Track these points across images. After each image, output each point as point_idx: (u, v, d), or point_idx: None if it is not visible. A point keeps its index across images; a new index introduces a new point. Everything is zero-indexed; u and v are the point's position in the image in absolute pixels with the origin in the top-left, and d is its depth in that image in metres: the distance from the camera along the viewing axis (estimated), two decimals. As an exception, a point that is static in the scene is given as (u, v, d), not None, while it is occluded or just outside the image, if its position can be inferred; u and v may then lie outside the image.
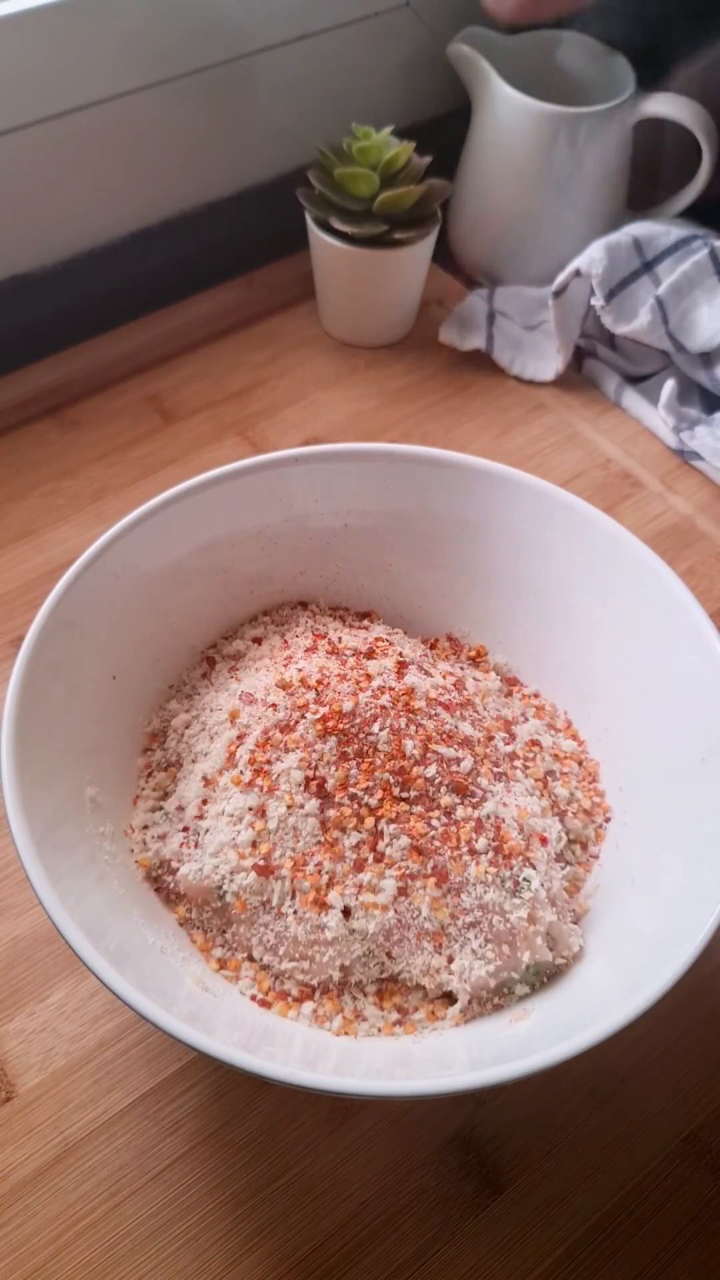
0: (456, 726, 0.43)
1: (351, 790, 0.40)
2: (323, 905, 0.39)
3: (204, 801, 0.42)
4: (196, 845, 0.41)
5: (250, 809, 0.40)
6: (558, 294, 0.64)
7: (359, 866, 0.39)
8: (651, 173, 0.74)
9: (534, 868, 0.40)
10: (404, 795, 0.40)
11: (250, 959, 0.40)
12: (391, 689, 0.42)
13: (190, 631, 0.49)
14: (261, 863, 0.39)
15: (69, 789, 0.40)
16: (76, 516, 0.60)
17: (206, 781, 0.42)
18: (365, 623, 0.51)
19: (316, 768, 0.40)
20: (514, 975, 0.39)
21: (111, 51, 0.60)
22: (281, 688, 0.43)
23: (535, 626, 0.49)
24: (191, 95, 0.65)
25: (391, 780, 0.40)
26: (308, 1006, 0.39)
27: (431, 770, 0.41)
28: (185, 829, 0.42)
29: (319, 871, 0.39)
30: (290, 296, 0.72)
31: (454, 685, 0.45)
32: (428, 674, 0.44)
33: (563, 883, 0.42)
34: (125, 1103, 0.42)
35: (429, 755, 0.41)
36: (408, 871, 0.39)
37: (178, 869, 0.41)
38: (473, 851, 0.39)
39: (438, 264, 0.71)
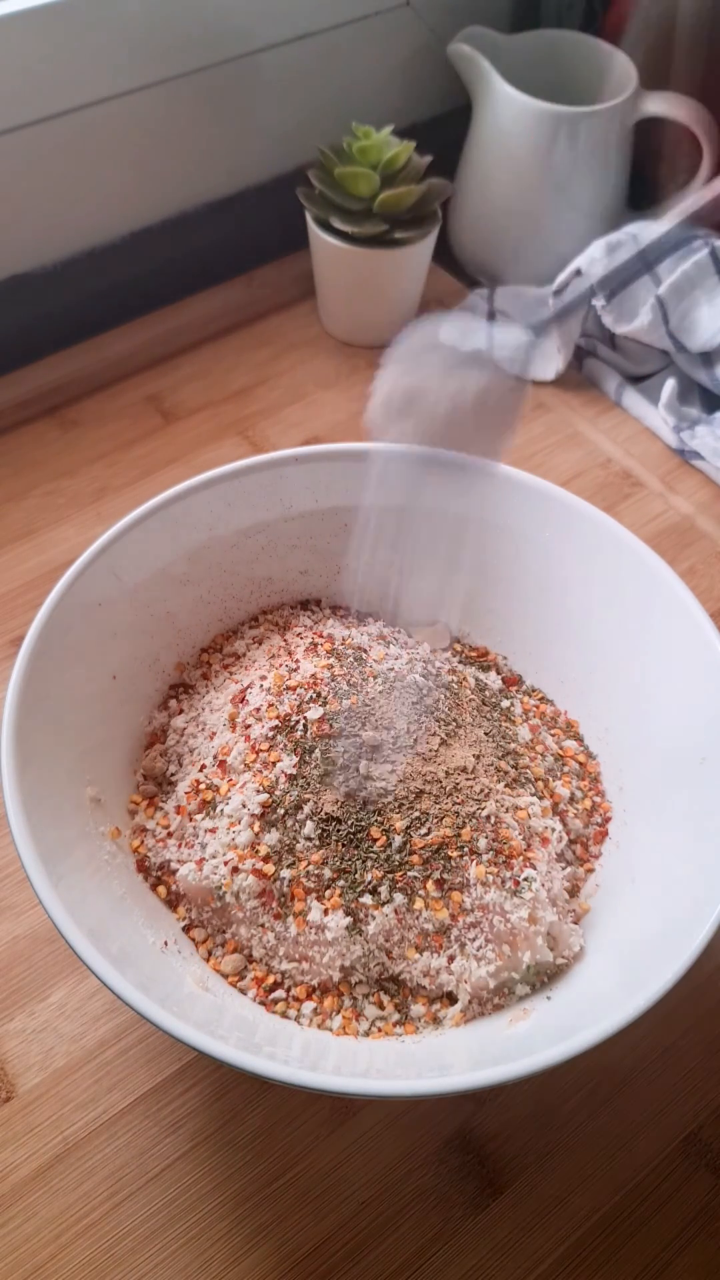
0: (458, 726, 0.43)
1: (351, 790, 0.40)
2: (323, 906, 0.39)
3: (204, 802, 0.42)
4: (196, 846, 0.41)
5: (249, 810, 0.40)
6: (558, 293, 0.64)
7: (359, 867, 0.39)
8: (652, 172, 0.73)
9: (534, 868, 0.40)
10: (405, 795, 0.40)
11: (250, 959, 0.40)
12: (393, 689, 0.42)
13: (190, 631, 0.49)
14: (261, 864, 0.39)
15: (69, 789, 0.40)
16: (76, 516, 0.60)
17: (206, 782, 0.42)
18: (366, 622, 0.51)
19: (316, 768, 0.40)
20: (514, 975, 0.39)
21: (111, 51, 0.60)
22: (281, 688, 0.43)
23: (536, 626, 0.49)
24: (192, 95, 0.65)
25: (392, 780, 0.40)
26: (308, 1006, 0.39)
27: (432, 770, 0.41)
28: (185, 829, 0.42)
29: (319, 872, 0.39)
30: (290, 296, 0.72)
31: (457, 684, 0.45)
32: (430, 673, 0.44)
33: (563, 883, 0.42)
34: (125, 1102, 0.42)
35: (430, 755, 0.41)
36: (408, 872, 0.39)
37: (177, 869, 0.41)
38: (473, 852, 0.39)
39: (438, 264, 0.71)
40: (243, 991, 0.40)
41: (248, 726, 0.42)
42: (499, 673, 0.49)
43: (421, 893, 0.39)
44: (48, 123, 0.61)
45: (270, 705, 0.42)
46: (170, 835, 0.42)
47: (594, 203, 0.69)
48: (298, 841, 0.40)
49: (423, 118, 0.75)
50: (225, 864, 0.40)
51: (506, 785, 0.42)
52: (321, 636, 0.46)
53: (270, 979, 0.40)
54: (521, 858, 0.40)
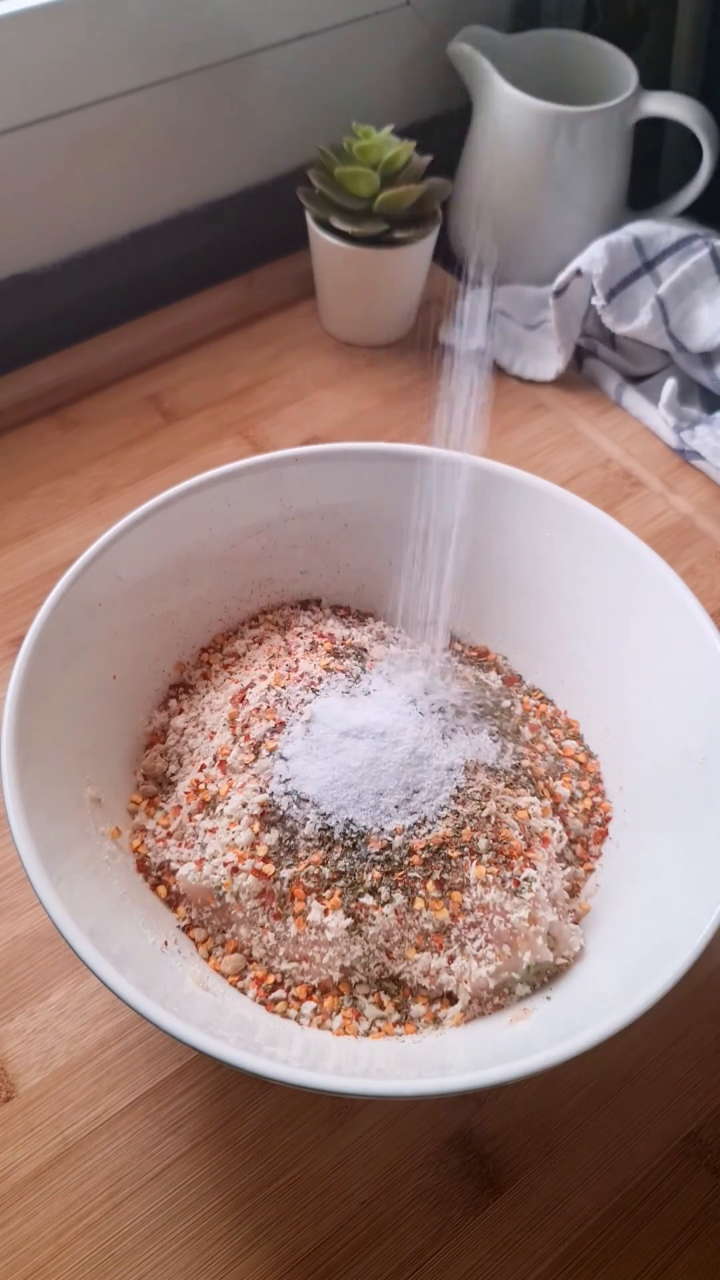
0: (458, 724, 0.43)
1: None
2: (323, 906, 0.39)
3: (204, 802, 0.42)
4: (196, 846, 0.41)
5: (249, 810, 0.40)
6: (558, 293, 0.64)
7: (359, 867, 0.39)
8: (652, 172, 0.73)
9: (534, 868, 0.40)
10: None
11: (250, 959, 0.40)
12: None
13: (191, 631, 0.49)
14: (260, 864, 0.39)
15: (69, 789, 0.40)
16: (77, 516, 0.60)
17: (206, 782, 0.42)
18: (366, 622, 0.51)
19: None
20: (514, 975, 0.39)
21: (112, 51, 0.60)
22: (282, 687, 0.43)
23: (536, 626, 0.49)
24: (192, 95, 0.65)
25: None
26: (308, 1006, 0.39)
27: (433, 769, 0.41)
28: (185, 829, 0.42)
29: (318, 872, 0.39)
30: (290, 296, 0.72)
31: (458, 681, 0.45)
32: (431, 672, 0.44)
33: (564, 883, 0.42)
34: (125, 1102, 0.42)
35: (431, 754, 0.41)
36: (408, 872, 0.39)
37: (177, 869, 0.41)
38: (473, 852, 0.39)
39: (438, 263, 0.71)
40: (243, 991, 0.40)
41: (247, 726, 0.42)
42: (499, 673, 0.49)
43: (421, 893, 0.39)
44: (48, 122, 0.61)
45: (270, 706, 0.42)
46: (170, 835, 0.42)
47: (594, 202, 0.69)
48: (298, 841, 0.40)
49: (422, 117, 0.75)
50: (225, 864, 0.40)
51: (506, 785, 0.42)
52: (322, 636, 0.46)
53: (270, 979, 0.40)
54: (521, 858, 0.40)
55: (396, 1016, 0.39)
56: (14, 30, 0.57)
